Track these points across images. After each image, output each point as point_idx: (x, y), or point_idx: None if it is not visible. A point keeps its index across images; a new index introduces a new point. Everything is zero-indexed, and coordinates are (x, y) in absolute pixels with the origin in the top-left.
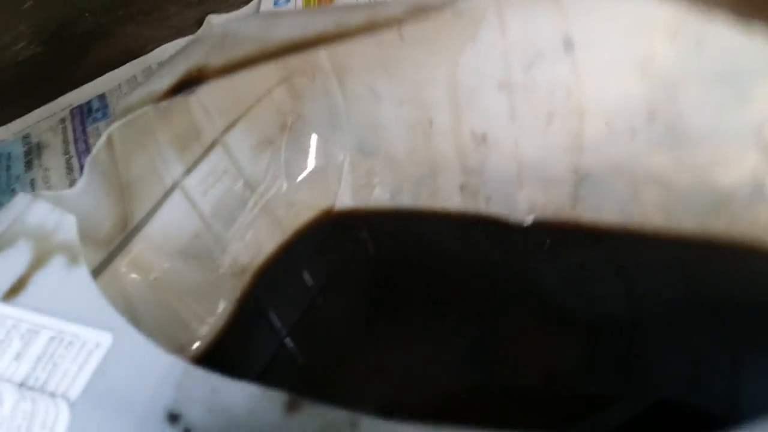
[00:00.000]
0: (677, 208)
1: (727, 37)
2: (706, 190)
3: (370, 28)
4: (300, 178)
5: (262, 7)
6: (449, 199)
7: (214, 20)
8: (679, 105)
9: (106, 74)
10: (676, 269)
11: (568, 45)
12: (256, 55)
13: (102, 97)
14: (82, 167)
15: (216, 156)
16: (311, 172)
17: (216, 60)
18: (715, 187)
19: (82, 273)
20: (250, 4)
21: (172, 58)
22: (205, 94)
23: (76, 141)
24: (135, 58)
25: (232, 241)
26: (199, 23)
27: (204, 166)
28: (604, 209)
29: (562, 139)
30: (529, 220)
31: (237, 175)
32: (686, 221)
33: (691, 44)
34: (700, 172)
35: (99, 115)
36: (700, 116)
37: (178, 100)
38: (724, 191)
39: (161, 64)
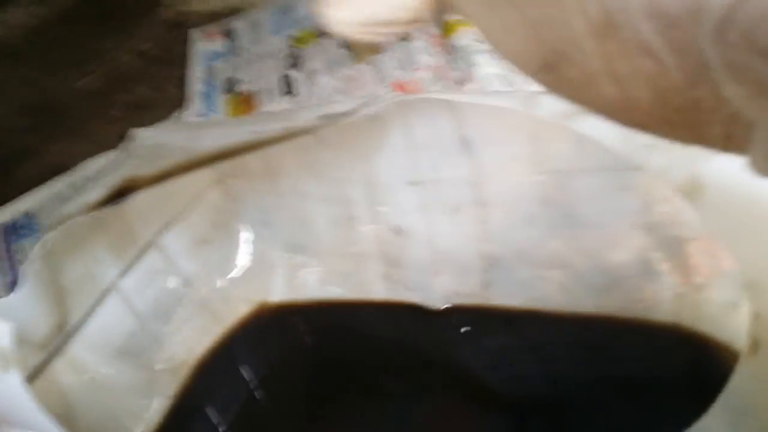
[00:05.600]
0: (577, 289)
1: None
2: (599, 270)
3: (288, 136)
4: (235, 273)
5: (186, 119)
6: (374, 288)
7: (138, 134)
8: (569, 193)
9: (32, 191)
10: (584, 348)
11: (465, 144)
12: (185, 164)
13: (28, 214)
14: (9, 283)
15: (152, 257)
16: (246, 268)
17: (147, 170)
18: (607, 266)
19: (14, 379)
20: (171, 118)
21: (102, 170)
22: (141, 199)
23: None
24: (60, 173)
25: (168, 337)
26: (122, 137)
27: (140, 267)
28: (512, 293)
29: (470, 228)
30: (444, 305)
31: (173, 273)
32: (585, 301)
33: (574, 141)
34: (594, 253)
35: (25, 232)
36: (589, 202)
37: (112, 207)
38: (615, 270)
39: (88, 178)
